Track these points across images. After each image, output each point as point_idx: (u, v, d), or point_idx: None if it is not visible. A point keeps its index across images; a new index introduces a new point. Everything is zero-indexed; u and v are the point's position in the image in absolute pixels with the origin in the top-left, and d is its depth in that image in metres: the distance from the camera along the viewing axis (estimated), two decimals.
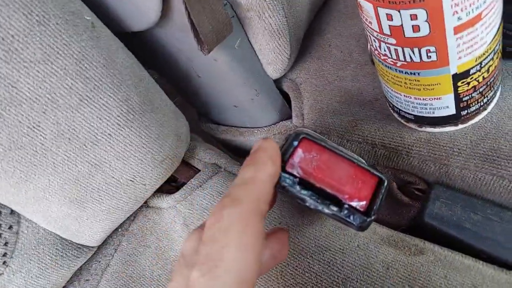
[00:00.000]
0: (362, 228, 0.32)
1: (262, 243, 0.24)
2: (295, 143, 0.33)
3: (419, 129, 0.42)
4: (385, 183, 0.33)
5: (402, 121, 0.43)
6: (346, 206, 0.32)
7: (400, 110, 0.41)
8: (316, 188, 0.32)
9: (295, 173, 0.33)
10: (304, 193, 0.32)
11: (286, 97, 0.53)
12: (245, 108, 0.49)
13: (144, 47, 0.45)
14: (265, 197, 0.26)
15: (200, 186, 0.48)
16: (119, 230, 0.51)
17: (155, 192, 0.49)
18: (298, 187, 0.32)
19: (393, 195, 0.42)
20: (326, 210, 0.32)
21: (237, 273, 0.21)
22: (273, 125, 0.51)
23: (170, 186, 0.53)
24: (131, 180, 0.42)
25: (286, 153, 0.33)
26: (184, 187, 0.49)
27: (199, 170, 0.50)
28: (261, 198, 0.25)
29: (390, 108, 0.44)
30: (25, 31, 0.31)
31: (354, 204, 0.32)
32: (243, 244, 0.22)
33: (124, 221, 0.51)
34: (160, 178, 0.45)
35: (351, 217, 0.32)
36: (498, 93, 0.41)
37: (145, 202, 0.51)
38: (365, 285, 0.36)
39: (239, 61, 0.42)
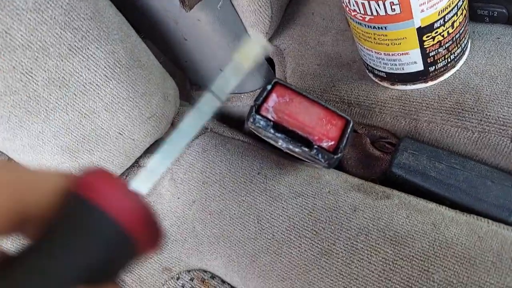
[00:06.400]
0: (329, 164, 0.35)
1: None
2: (269, 87, 0.36)
3: (392, 87, 0.44)
4: (351, 124, 0.35)
5: (376, 80, 0.45)
6: (315, 146, 0.34)
7: (373, 68, 0.44)
8: (288, 131, 0.35)
9: (269, 117, 0.35)
10: (277, 135, 0.35)
11: (271, 63, 0.55)
12: None
13: (134, 10, 0.47)
14: None
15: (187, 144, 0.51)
16: None
17: (146, 152, 0.52)
18: (272, 130, 0.35)
19: (366, 150, 0.44)
20: (297, 149, 0.35)
21: None
22: (258, 90, 0.54)
23: None
24: (119, 133, 0.45)
25: (260, 97, 0.35)
26: None
27: None
28: None
29: (365, 69, 0.46)
30: None
31: (323, 144, 0.35)
32: None
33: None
34: (148, 135, 0.48)
35: (319, 155, 0.35)
36: (466, 52, 0.43)
37: (137, 162, 0.54)
38: (333, 226, 0.38)
39: (221, 22, 0.45)
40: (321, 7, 0.54)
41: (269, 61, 0.55)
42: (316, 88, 0.48)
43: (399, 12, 0.36)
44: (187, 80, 0.62)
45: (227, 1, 0.45)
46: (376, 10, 0.36)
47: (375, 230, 0.37)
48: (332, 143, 0.35)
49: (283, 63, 0.52)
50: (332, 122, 0.35)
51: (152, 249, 0.16)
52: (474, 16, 0.44)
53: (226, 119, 0.61)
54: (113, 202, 0.14)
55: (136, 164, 0.54)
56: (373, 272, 0.35)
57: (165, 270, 0.45)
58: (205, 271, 0.43)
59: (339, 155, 0.34)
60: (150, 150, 0.52)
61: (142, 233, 0.15)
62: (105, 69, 0.40)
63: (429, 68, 0.41)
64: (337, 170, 0.44)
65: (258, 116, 0.34)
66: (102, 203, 0.14)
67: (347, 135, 0.34)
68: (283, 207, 0.41)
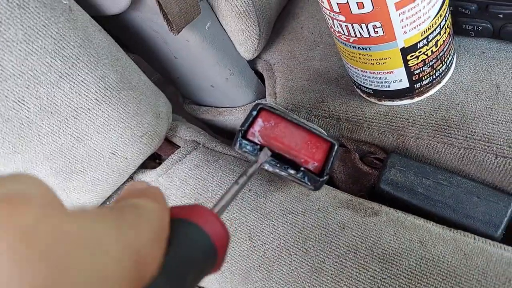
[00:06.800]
0: (315, 187, 0.36)
1: None
2: (254, 113, 0.36)
3: (379, 102, 0.45)
4: (336, 147, 0.36)
5: (363, 95, 0.46)
6: (302, 169, 0.35)
7: (360, 85, 0.44)
8: (275, 154, 0.36)
9: (256, 140, 0.36)
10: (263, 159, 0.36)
11: (262, 77, 0.56)
12: (221, 88, 0.52)
13: (124, 31, 0.48)
14: None
15: (180, 160, 0.51)
16: (107, 203, 0.55)
17: (140, 167, 0.53)
18: (258, 153, 0.36)
19: (355, 165, 0.45)
20: (283, 173, 0.36)
21: None
22: (249, 104, 0.54)
23: (155, 163, 0.57)
24: (112, 153, 0.45)
25: (246, 122, 0.36)
26: (165, 162, 0.52)
27: (180, 147, 0.54)
28: None
29: (353, 84, 0.47)
30: (7, 13, 0.34)
31: (309, 166, 0.36)
32: None
33: (112, 195, 0.54)
34: (141, 153, 0.49)
35: (306, 178, 0.35)
36: (452, 68, 0.43)
37: (131, 177, 0.54)
38: (322, 243, 0.39)
39: (210, 42, 0.46)
40: (310, 21, 0.55)
41: (260, 75, 0.56)
42: (305, 103, 0.49)
43: (382, 34, 0.36)
44: (180, 93, 0.63)
45: (215, 21, 0.45)
46: (360, 32, 0.37)
47: (363, 248, 0.37)
48: (317, 164, 0.35)
49: (273, 78, 0.53)
50: (317, 145, 0.35)
51: (216, 270, 0.20)
52: (459, 30, 0.45)
53: (219, 131, 0.62)
54: (211, 226, 0.18)
55: (131, 180, 0.55)
56: None
57: None
58: (200, 287, 0.44)
59: (325, 177, 0.35)
60: (144, 165, 0.53)
61: (222, 253, 0.19)
62: (95, 93, 0.41)
63: (415, 85, 0.41)
64: (327, 185, 0.45)
65: (244, 141, 0.35)
66: (203, 225, 0.18)
67: (332, 158, 0.35)
68: (273, 225, 0.41)
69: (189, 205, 0.19)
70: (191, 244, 0.18)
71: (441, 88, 0.43)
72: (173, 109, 0.56)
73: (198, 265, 0.18)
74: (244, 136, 0.36)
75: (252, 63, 0.55)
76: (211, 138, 0.54)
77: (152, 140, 0.49)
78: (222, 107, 0.57)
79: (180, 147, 0.54)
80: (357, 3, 0.34)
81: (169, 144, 0.55)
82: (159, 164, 0.55)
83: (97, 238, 0.13)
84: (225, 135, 0.64)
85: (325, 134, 0.40)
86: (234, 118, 0.56)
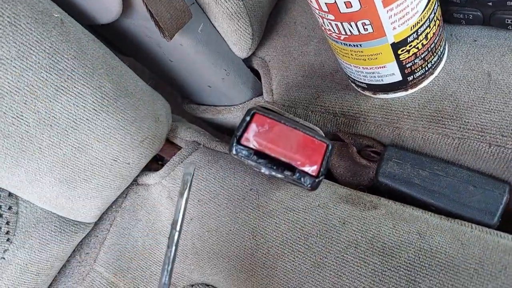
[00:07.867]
0: (312, 187, 0.37)
1: None
2: (248, 118, 0.37)
3: (374, 96, 0.45)
4: (330, 147, 0.36)
5: (358, 89, 0.46)
6: (298, 170, 0.36)
7: (354, 79, 0.44)
8: (270, 158, 0.36)
9: (250, 146, 0.37)
10: (260, 162, 0.36)
11: (258, 74, 0.56)
12: (219, 88, 0.53)
13: (118, 37, 0.48)
14: None
15: (181, 162, 0.52)
16: (113, 206, 0.56)
17: (143, 170, 0.54)
18: (254, 157, 0.36)
19: (353, 159, 0.45)
20: (279, 175, 0.36)
21: None
22: (247, 102, 0.55)
23: (158, 164, 0.57)
24: (114, 160, 0.46)
25: (240, 128, 0.37)
26: (167, 164, 0.53)
27: (182, 148, 0.55)
28: None
29: (347, 79, 0.47)
30: None
31: (305, 168, 0.36)
32: None
33: (117, 198, 0.55)
34: (143, 157, 0.50)
35: (302, 179, 0.36)
36: (444, 58, 0.43)
37: (135, 180, 0.55)
38: (324, 239, 0.40)
39: (204, 44, 0.46)
40: (303, 15, 0.55)
41: (256, 72, 0.56)
42: (302, 99, 0.49)
43: (372, 31, 0.36)
44: (179, 93, 0.63)
45: (207, 23, 0.46)
46: (350, 30, 0.37)
47: (363, 242, 0.38)
48: (314, 167, 0.36)
49: (268, 75, 0.53)
50: (312, 147, 0.36)
51: None
52: (450, 19, 0.45)
53: (221, 130, 0.62)
54: None
55: (135, 183, 0.56)
56: (363, 283, 0.37)
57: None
58: (208, 285, 0.45)
59: (321, 178, 0.35)
60: (147, 166, 0.54)
61: None
62: (93, 103, 0.41)
63: (408, 78, 0.41)
64: (327, 179, 0.46)
65: (239, 147, 0.36)
66: None
67: (327, 158, 0.36)
68: (275, 223, 0.42)
69: None
70: None
71: (434, 79, 0.43)
72: (173, 109, 0.56)
73: None
74: (239, 141, 0.36)
75: (247, 61, 0.55)
76: (211, 138, 0.54)
77: (153, 144, 0.50)
78: (220, 106, 0.57)
79: (181, 148, 0.55)
80: (345, 2, 0.34)
81: (170, 145, 0.56)
82: (162, 165, 0.56)
83: None
84: (226, 131, 0.65)
85: (320, 133, 0.40)
86: (233, 116, 0.57)
